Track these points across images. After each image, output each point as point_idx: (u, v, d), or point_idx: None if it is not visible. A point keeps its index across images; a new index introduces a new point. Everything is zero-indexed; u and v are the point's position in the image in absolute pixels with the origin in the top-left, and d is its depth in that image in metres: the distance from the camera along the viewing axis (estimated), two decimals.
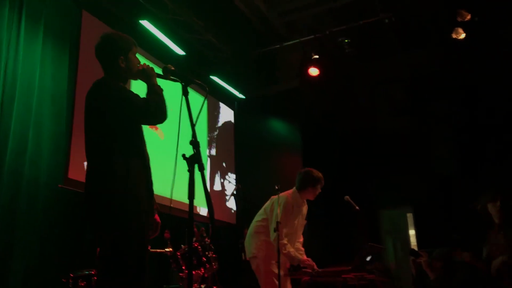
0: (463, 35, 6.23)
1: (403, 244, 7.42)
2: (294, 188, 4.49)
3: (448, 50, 6.90)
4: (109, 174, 2.26)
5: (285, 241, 4.17)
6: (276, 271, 3.92)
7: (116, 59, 2.48)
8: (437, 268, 4.54)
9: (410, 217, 7.42)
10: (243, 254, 4.42)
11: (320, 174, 4.42)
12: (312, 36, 6.53)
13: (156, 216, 2.67)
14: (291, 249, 4.24)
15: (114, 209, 2.23)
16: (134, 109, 2.32)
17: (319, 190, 4.46)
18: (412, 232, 7.36)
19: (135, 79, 2.59)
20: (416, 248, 4.60)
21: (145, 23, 5.41)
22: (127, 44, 2.53)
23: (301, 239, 4.62)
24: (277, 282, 3.98)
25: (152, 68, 2.51)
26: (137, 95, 2.38)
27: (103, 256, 2.28)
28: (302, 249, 4.54)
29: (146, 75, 2.49)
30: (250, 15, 6.52)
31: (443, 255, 4.58)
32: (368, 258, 4.07)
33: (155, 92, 2.41)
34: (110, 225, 2.24)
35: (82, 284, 3.15)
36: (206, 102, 2.34)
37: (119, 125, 2.34)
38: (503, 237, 4.04)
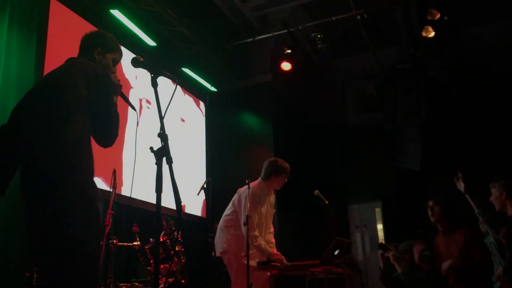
0: (432, 34, 6.36)
1: (371, 238, 7.55)
2: (260, 178, 4.53)
3: (418, 47, 7.03)
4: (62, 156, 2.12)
5: (256, 233, 4.19)
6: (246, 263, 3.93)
7: (93, 49, 2.49)
8: (405, 261, 4.63)
9: (378, 211, 7.55)
10: (213, 251, 4.42)
11: (285, 164, 4.46)
12: (285, 31, 6.54)
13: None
14: (262, 242, 4.26)
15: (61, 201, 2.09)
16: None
17: (285, 180, 4.49)
18: (380, 226, 7.50)
19: None
20: (384, 242, 4.69)
21: (116, 13, 5.31)
22: (111, 45, 2.55)
23: (272, 230, 4.65)
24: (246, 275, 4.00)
25: (120, 86, 2.47)
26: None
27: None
28: (273, 241, 4.58)
29: (115, 89, 2.44)
30: (223, 8, 6.49)
31: (410, 247, 4.69)
32: (336, 252, 4.12)
33: (115, 112, 2.36)
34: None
35: None
36: (175, 94, 2.30)
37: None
38: (444, 241, 4.15)
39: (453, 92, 7.30)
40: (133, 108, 2.60)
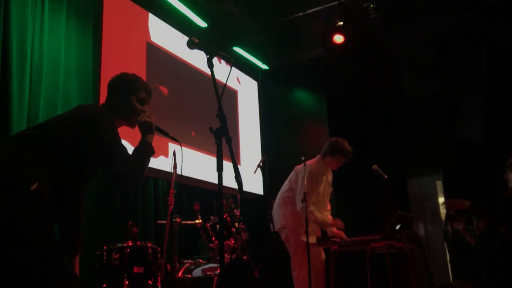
0: None
1: (432, 212, 7.36)
2: (319, 155, 4.49)
3: (478, 11, 6.65)
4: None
5: (312, 208, 4.18)
6: (305, 240, 3.95)
7: (113, 94, 2.50)
8: (480, 228, 4.31)
9: (439, 184, 7.32)
10: (271, 225, 4.47)
11: (344, 147, 4.36)
12: (336, 2, 6.37)
13: None
14: (319, 215, 4.26)
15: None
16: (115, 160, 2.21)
17: (341, 163, 4.43)
18: (441, 199, 7.28)
19: (133, 126, 2.53)
20: (453, 213, 4.41)
21: None
22: (132, 86, 2.50)
23: (329, 207, 4.64)
24: (306, 251, 4.02)
25: (152, 125, 2.47)
26: (125, 148, 2.27)
27: None
28: (330, 217, 4.56)
29: (146, 128, 2.46)
30: None
31: (484, 212, 4.31)
32: (398, 227, 4.06)
33: (143, 153, 2.35)
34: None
35: (116, 257, 3.23)
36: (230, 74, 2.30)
37: (84, 159, 2.18)
38: None
39: None
40: (175, 139, 2.73)
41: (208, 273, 3.65)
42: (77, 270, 2.45)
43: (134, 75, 2.58)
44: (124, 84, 2.51)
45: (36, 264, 1.81)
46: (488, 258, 3.54)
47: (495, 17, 6.65)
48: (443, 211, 7.15)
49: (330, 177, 4.62)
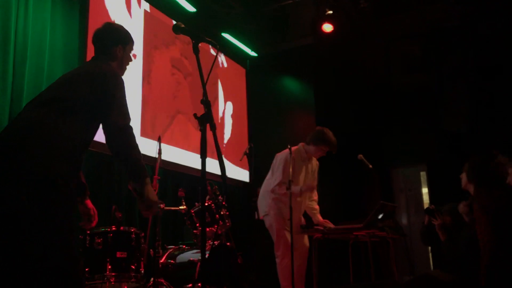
0: None
1: (415, 202, 7.44)
2: (302, 143, 4.50)
3: (465, 4, 6.68)
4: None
5: (285, 186, 4.12)
6: (288, 228, 3.98)
7: (113, 46, 2.47)
8: (446, 223, 4.45)
9: (423, 175, 7.40)
10: (256, 213, 4.49)
11: (330, 137, 4.34)
12: None
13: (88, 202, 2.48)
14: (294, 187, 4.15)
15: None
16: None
17: (323, 152, 4.42)
18: (425, 190, 7.37)
19: (122, 74, 2.52)
20: (432, 207, 4.52)
21: None
22: (127, 37, 2.53)
23: (316, 197, 4.65)
24: (289, 238, 4.05)
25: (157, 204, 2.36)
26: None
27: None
28: (317, 207, 4.58)
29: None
30: None
31: (452, 210, 4.51)
32: (380, 216, 4.10)
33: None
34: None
35: (99, 241, 3.23)
36: (216, 60, 2.28)
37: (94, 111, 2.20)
38: None
39: (503, 51, 6.93)
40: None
41: (191, 259, 3.66)
42: (91, 206, 2.51)
43: (121, 26, 2.59)
44: (121, 35, 2.51)
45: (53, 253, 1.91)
46: (453, 258, 3.60)
47: (484, 9, 6.69)
48: (426, 201, 7.24)
49: (315, 166, 4.62)
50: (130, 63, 2.58)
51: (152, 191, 2.25)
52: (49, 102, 2.16)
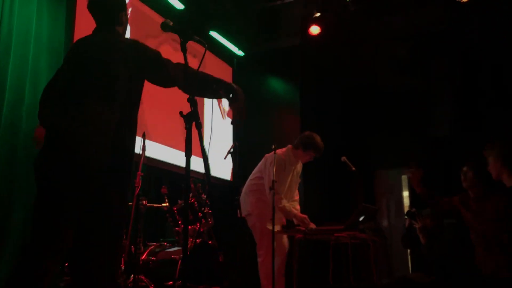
0: None
1: (396, 205, 7.53)
2: (290, 146, 4.52)
3: (453, 10, 6.77)
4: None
5: (281, 196, 4.23)
6: (271, 228, 4.00)
7: (118, 12, 2.48)
8: (426, 226, 4.49)
9: (404, 178, 7.49)
10: (239, 211, 4.50)
11: (318, 143, 4.38)
12: None
13: None
14: (286, 204, 4.31)
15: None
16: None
17: (310, 158, 4.45)
18: (406, 193, 7.45)
19: None
20: (414, 210, 4.57)
21: None
22: (125, 2, 2.54)
23: (297, 197, 4.68)
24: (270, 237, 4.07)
25: None
26: None
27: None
28: (298, 207, 4.62)
29: None
30: None
31: (434, 213, 4.56)
32: (361, 218, 4.14)
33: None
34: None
35: None
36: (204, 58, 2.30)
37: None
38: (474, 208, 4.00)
39: (490, 56, 7.04)
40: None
41: (172, 256, 3.66)
42: None
43: None
44: (122, 0, 2.52)
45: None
46: (434, 260, 3.66)
47: (471, 15, 6.78)
48: (406, 204, 7.33)
49: (299, 168, 4.65)
50: None
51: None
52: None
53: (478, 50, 7.01)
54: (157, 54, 2.40)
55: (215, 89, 2.42)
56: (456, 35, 7.06)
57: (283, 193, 4.36)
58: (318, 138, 4.40)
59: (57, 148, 2.15)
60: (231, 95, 2.43)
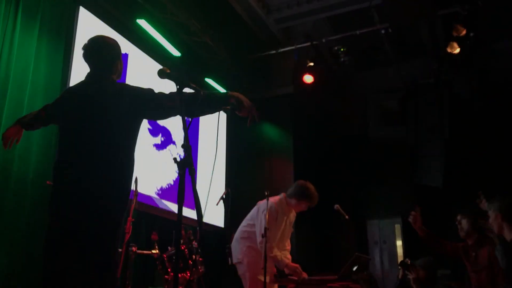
0: (457, 50, 6.29)
1: (390, 254, 7.44)
2: (283, 194, 4.49)
3: (442, 62, 6.97)
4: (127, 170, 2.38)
5: (272, 245, 4.16)
6: (261, 278, 3.91)
7: (115, 62, 2.54)
8: (420, 277, 4.47)
9: (398, 228, 7.44)
10: (229, 259, 4.41)
11: (313, 193, 4.34)
12: (308, 43, 6.55)
13: None
14: (278, 253, 4.23)
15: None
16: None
17: (304, 208, 4.42)
18: (399, 242, 7.39)
19: None
20: (408, 260, 4.55)
21: (142, 22, 5.40)
22: (120, 51, 2.61)
23: (289, 247, 4.60)
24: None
25: None
26: None
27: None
28: (289, 257, 4.53)
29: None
30: (248, 19, 6.54)
31: (427, 264, 4.54)
32: (355, 268, 4.08)
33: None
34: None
35: None
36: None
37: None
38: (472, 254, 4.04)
39: (477, 109, 7.19)
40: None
41: None
42: None
43: (114, 39, 2.63)
44: (118, 49, 2.58)
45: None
46: None
47: (458, 69, 6.98)
48: (400, 254, 7.25)
49: (293, 217, 4.60)
50: None
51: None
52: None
53: (467, 102, 7.17)
54: (150, 91, 2.45)
55: (216, 102, 2.46)
56: (445, 88, 7.24)
57: (274, 242, 4.29)
58: (312, 188, 4.36)
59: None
60: (233, 103, 2.44)
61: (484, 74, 7.10)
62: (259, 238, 4.19)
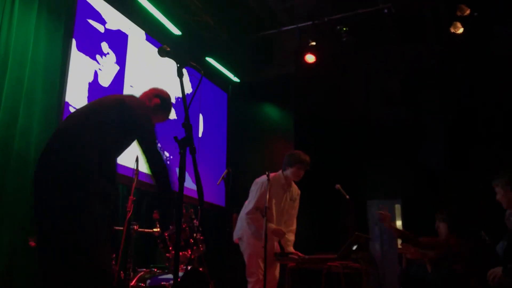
0: (461, 30, 6.22)
1: (389, 234, 7.48)
2: (280, 170, 4.52)
3: (445, 44, 6.90)
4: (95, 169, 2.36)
5: (257, 213, 4.17)
6: (262, 255, 3.95)
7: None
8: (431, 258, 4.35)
9: (398, 208, 7.47)
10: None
11: (301, 156, 4.37)
12: (310, 23, 6.49)
13: None
14: (270, 224, 4.18)
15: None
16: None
17: (300, 171, 4.42)
18: (399, 223, 7.43)
19: None
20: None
21: (143, 1, 5.35)
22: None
23: (294, 227, 4.61)
24: (261, 265, 4.01)
25: None
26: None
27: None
28: (292, 238, 4.54)
29: None
30: None
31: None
32: (354, 247, 4.11)
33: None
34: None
35: None
36: (200, 84, 2.32)
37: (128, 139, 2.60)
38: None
39: (479, 91, 7.15)
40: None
41: (162, 283, 3.60)
42: None
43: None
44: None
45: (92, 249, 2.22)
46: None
47: (461, 51, 6.91)
48: None
49: (295, 194, 4.62)
50: None
51: None
52: None
53: (470, 84, 7.12)
54: (149, 131, 2.61)
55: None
56: (450, 68, 7.18)
57: (269, 217, 4.26)
58: (299, 152, 4.41)
59: None
60: None
61: (487, 56, 7.03)
62: (245, 209, 4.24)
